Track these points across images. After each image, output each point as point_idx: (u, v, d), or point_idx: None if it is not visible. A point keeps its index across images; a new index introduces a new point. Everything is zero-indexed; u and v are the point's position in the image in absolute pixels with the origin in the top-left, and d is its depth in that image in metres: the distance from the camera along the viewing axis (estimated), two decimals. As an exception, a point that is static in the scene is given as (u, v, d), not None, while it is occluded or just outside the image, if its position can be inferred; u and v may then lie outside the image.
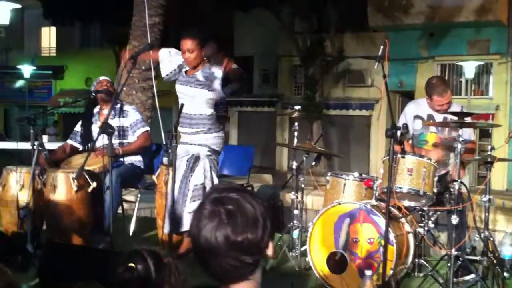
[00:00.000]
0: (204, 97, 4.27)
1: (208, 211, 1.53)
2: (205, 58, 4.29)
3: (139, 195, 5.13)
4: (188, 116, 4.31)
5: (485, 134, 14.17)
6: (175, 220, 4.20)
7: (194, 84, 4.30)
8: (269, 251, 1.56)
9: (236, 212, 1.51)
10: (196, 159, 4.27)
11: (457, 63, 15.54)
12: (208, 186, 4.25)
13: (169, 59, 4.49)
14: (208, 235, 1.50)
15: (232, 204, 1.52)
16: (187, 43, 4.23)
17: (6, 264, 1.60)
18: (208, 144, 4.31)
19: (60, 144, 5.66)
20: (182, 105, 4.20)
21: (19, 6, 13.22)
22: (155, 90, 8.24)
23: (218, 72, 4.24)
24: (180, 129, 4.31)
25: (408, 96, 16.08)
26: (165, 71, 4.52)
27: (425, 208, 4.00)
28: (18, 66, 21.43)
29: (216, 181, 4.34)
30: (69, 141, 5.10)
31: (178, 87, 4.38)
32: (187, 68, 4.40)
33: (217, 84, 4.25)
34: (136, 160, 4.96)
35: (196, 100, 4.29)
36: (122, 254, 1.65)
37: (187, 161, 4.27)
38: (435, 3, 15.80)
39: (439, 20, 15.70)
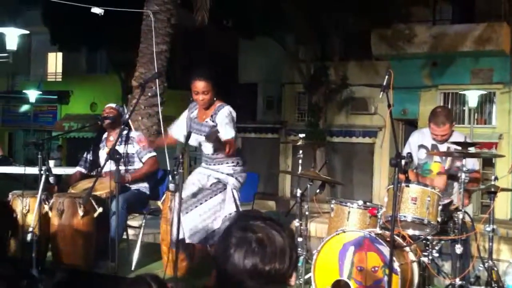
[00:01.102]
0: (228, 136, 4.23)
1: (237, 238, 1.52)
2: (215, 99, 4.31)
3: (144, 221, 5.15)
4: (211, 157, 4.37)
5: (488, 163, 14.18)
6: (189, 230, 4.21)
7: (205, 133, 4.22)
8: (292, 281, 1.56)
9: (266, 241, 1.51)
10: (223, 186, 4.30)
11: (460, 92, 15.64)
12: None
13: (180, 129, 4.50)
14: (236, 262, 1.50)
15: (262, 233, 1.52)
16: (202, 85, 4.22)
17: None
18: (235, 174, 4.36)
19: (67, 169, 5.72)
20: (190, 132, 4.20)
21: (26, 32, 13.43)
22: (160, 116, 8.35)
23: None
24: (203, 164, 4.40)
25: (411, 124, 16.15)
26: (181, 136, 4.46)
27: (429, 237, 4.00)
28: (24, 91, 21.60)
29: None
30: (78, 168, 5.17)
31: (193, 136, 4.27)
32: (196, 113, 4.41)
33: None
34: (142, 186, 5.00)
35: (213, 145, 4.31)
36: (126, 280, 1.67)
37: (213, 184, 4.29)
38: (438, 33, 15.98)
39: (442, 50, 15.86)
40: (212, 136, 4.04)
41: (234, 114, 4.32)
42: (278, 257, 1.51)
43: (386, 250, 3.66)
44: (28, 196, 4.53)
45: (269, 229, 1.54)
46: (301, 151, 4.68)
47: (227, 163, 4.35)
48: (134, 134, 5.06)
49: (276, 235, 1.53)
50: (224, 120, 4.23)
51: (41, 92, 21.59)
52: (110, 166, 4.60)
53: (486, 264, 3.90)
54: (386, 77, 3.75)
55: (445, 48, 15.77)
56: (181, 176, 4.07)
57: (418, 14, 16.66)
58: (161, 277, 1.66)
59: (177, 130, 4.52)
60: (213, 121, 4.27)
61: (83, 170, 5.13)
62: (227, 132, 4.19)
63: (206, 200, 4.26)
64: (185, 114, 4.47)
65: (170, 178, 4.41)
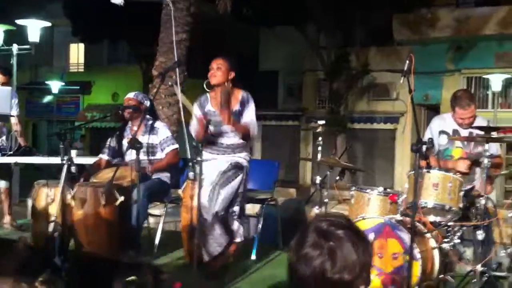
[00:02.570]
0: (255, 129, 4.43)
1: (312, 241, 1.54)
2: (226, 84, 4.38)
3: (165, 209, 5.20)
4: (230, 147, 4.43)
5: (511, 148, 13.96)
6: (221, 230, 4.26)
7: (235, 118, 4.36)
8: None
9: (338, 251, 1.51)
10: (240, 167, 4.38)
11: (483, 76, 15.39)
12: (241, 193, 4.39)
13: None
14: (306, 264, 1.52)
15: (336, 242, 1.52)
16: (219, 61, 4.37)
17: (34, 277, 1.66)
18: (246, 158, 4.47)
19: (90, 159, 5.78)
20: (209, 121, 4.23)
21: (49, 24, 13.56)
22: (181, 105, 8.36)
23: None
24: (211, 155, 4.42)
25: (434, 109, 15.95)
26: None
27: (450, 224, 3.97)
28: (47, 82, 21.88)
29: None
30: (101, 155, 5.22)
31: (213, 129, 4.38)
32: (210, 106, 4.46)
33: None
34: (163, 175, 5.04)
35: (231, 132, 4.40)
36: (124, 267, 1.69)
37: (230, 165, 4.36)
38: (461, 16, 15.71)
39: (466, 33, 15.59)
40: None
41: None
42: (348, 268, 1.51)
43: (406, 236, 3.64)
44: (52, 186, 4.60)
45: (345, 240, 1.53)
46: (320, 138, 4.66)
47: (246, 152, 4.46)
48: (158, 124, 5.09)
49: (350, 246, 1.53)
50: (253, 110, 4.39)
51: (63, 83, 21.84)
52: (131, 155, 4.66)
53: (509, 250, 3.86)
54: (407, 62, 3.72)
55: (469, 32, 15.51)
56: (201, 165, 4.10)
57: (441, -3, 16.39)
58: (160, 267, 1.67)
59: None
60: (242, 106, 4.36)
61: (106, 157, 5.19)
62: (254, 125, 4.38)
63: (229, 182, 4.33)
64: (197, 109, 4.50)
65: (190, 167, 4.45)
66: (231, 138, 4.42)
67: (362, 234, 1.60)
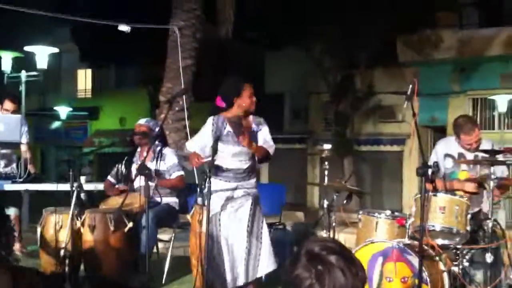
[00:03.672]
0: (272, 150, 4.35)
1: (303, 263, 1.58)
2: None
3: (173, 235, 5.22)
4: (240, 172, 4.29)
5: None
6: (247, 269, 4.19)
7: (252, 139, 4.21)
8: None
9: (326, 277, 1.55)
10: (257, 199, 4.32)
11: (489, 97, 15.41)
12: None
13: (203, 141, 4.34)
14: (297, 285, 1.56)
15: (324, 267, 1.56)
16: (251, 88, 4.28)
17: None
18: (255, 184, 4.41)
19: (98, 185, 5.82)
20: (216, 146, 4.17)
21: (56, 50, 13.74)
22: (188, 130, 8.46)
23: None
24: (220, 181, 4.29)
25: (440, 131, 15.95)
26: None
27: (459, 246, 3.97)
28: (55, 108, 22.06)
29: None
30: (108, 177, 5.29)
31: (229, 148, 4.24)
32: (229, 128, 4.27)
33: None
34: (172, 201, 5.08)
35: (248, 155, 4.29)
36: None
37: (253, 202, 4.26)
38: (465, 37, 15.80)
39: (470, 54, 15.66)
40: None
41: None
42: None
43: (415, 260, 3.64)
44: (61, 212, 4.64)
45: (335, 266, 1.56)
46: (327, 162, 4.70)
47: (255, 176, 4.40)
48: (166, 151, 5.15)
49: (338, 273, 1.55)
50: (267, 132, 4.34)
51: (71, 109, 22.02)
52: (139, 181, 4.70)
53: (518, 273, 3.85)
54: (410, 86, 3.76)
55: (473, 53, 15.57)
56: (209, 190, 4.12)
57: (444, 19, 16.49)
58: None
59: (198, 146, 4.32)
60: (257, 130, 4.31)
61: (113, 181, 5.24)
62: (271, 146, 4.33)
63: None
64: (207, 133, 4.28)
65: (198, 192, 4.48)
66: (244, 162, 4.28)
67: (353, 259, 1.62)
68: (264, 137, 4.31)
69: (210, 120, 4.30)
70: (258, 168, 4.61)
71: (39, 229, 5.03)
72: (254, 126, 4.32)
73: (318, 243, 1.61)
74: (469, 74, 16.16)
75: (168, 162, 5.05)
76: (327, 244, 1.61)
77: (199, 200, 4.45)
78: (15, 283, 2.12)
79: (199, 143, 4.31)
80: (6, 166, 6.13)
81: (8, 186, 5.77)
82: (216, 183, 4.18)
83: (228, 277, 4.15)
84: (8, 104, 6.06)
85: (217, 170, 4.23)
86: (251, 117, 4.34)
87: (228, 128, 4.27)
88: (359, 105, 17.45)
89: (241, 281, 4.18)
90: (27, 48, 12.45)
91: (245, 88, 4.24)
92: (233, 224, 4.20)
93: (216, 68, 17.09)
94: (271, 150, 4.33)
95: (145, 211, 4.24)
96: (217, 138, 4.20)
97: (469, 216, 3.91)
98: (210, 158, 4.09)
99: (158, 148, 5.08)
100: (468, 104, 16.25)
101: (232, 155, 4.26)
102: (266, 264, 4.20)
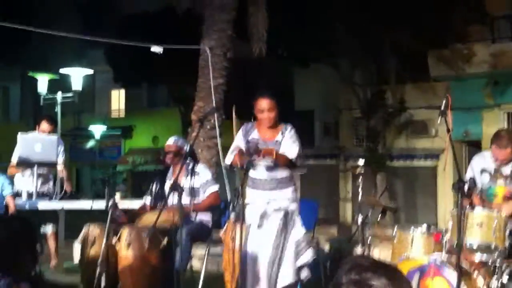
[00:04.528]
0: (294, 154, 4.26)
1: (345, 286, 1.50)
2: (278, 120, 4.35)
3: (207, 251, 5.24)
4: (279, 180, 4.30)
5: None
6: (270, 282, 4.19)
7: (276, 148, 4.22)
8: None
9: None
10: (291, 214, 4.28)
11: (524, 111, 15.12)
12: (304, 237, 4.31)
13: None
14: None
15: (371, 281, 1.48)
16: (267, 102, 4.28)
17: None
18: (295, 199, 4.37)
19: (133, 202, 5.92)
20: (249, 165, 4.20)
21: (91, 71, 14.07)
22: (219, 147, 8.52)
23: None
24: (253, 191, 4.35)
25: (475, 145, 15.68)
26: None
27: (497, 262, 3.89)
28: (90, 128, 22.49)
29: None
30: (144, 201, 5.36)
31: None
32: (256, 134, 4.37)
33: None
34: (205, 217, 5.11)
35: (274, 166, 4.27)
36: None
37: (284, 217, 4.25)
38: (497, 51, 15.58)
39: (503, 68, 15.42)
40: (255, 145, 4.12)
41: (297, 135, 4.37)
42: None
43: (453, 276, 3.58)
44: (98, 229, 4.72)
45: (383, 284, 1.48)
46: (361, 178, 4.68)
47: (289, 188, 4.34)
48: (199, 168, 5.19)
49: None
50: (291, 138, 4.28)
51: (105, 129, 22.42)
52: (173, 198, 4.75)
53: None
54: (444, 101, 3.74)
55: (506, 66, 15.33)
56: (242, 206, 4.14)
57: (476, 33, 16.31)
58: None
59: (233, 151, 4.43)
60: (282, 136, 4.30)
61: (148, 203, 5.32)
62: (292, 150, 4.24)
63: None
64: (239, 139, 4.42)
65: (231, 209, 4.51)
66: (274, 172, 4.30)
67: (398, 275, 1.54)
68: (286, 143, 4.27)
69: (242, 126, 4.46)
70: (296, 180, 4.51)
71: (77, 245, 5.11)
72: (278, 135, 4.32)
73: (360, 266, 1.53)
74: (502, 87, 15.90)
75: (202, 178, 5.09)
76: (373, 267, 1.53)
77: (232, 216, 4.47)
78: None
79: (233, 147, 4.44)
80: (43, 184, 6.28)
81: (45, 205, 5.91)
82: (250, 193, 4.29)
83: (253, 285, 4.17)
84: (44, 125, 6.22)
85: (250, 180, 4.32)
86: (279, 126, 4.35)
87: (255, 133, 4.38)
88: (390, 121, 17.31)
89: None
90: (62, 71, 12.79)
91: (256, 102, 4.32)
92: (261, 237, 4.23)
93: (247, 86, 17.22)
94: (292, 154, 4.23)
95: (179, 228, 4.27)
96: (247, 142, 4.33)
97: (507, 231, 3.83)
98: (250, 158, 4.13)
99: (191, 166, 5.13)
100: (503, 118, 15.97)
101: (264, 165, 4.33)
102: (285, 276, 4.19)
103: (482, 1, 15.40)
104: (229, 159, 4.47)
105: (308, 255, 4.23)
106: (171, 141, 5.30)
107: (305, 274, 4.29)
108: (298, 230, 4.27)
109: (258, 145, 4.28)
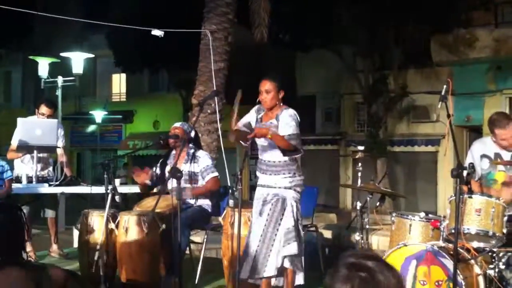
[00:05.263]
0: (286, 132, 4.21)
1: (343, 274, 1.53)
2: (281, 104, 4.34)
3: (206, 237, 5.26)
4: (271, 164, 4.30)
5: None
6: (254, 265, 4.18)
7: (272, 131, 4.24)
8: None
9: (370, 281, 1.51)
10: (283, 201, 4.23)
11: (526, 96, 15.06)
12: (300, 227, 4.27)
13: (247, 118, 4.51)
14: None
15: (367, 272, 1.52)
16: (266, 84, 4.28)
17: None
18: (294, 186, 4.28)
19: (133, 188, 5.92)
20: (247, 152, 4.24)
21: (92, 56, 14.02)
22: (220, 132, 8.51)
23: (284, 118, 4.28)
24: (259, 174, 4.41)
25: (476, 131, 15.65)
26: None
27: (495, 249, 3.89)
28: (91, 112, 22.49)
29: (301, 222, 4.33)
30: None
31: (260, 139, 4.31)
32: (262, 114, 4.41)
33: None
34: (205, 203, 5.12)
35: (276, 148, 4.25)
36: None
37: (272, 204, 4.23)
38: (500, 36, 15.47)
39: (506, 53, 15.32)
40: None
41: (298, 117, 4.32)
42: None
43: (450, 263, 3.59)
44: (97, 215, 4.73)
45: (376, 270, 1.53)
46: (360, 164, 4.67)
47: (284, 174, 4.27)
48: (200, 153, 5.19)
49: (380, 277, 1.52)
50: (286, 119, 4.24)
51: (106, 113, 22.41)
52: (172, 183, 4.76)
53: (557, 277, 3.75)
54: (444, 86, 3.72)
55: (509, 52, 15.22)
56: (241, 192, 4.15)
57: (479, 18, 16.19)
58: None
59: (242, 122, 4.49)
60: (277, 121, 4.27)
61: (148, 183, 5.33)
62: (285, 129, 4.20)
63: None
64: (253, 112, 4.47)
65: (230, 194, 4.51)
66: (274, 155, 4.28)
67: (391, 266, 1.59)
68: (280, 123, 4.24)
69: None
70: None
71: (76, 231, 5.13)
72: (273, 120, 4.30)
73: (353, 255, 1.58)
74: (505, 73, 15.82)
75: (201, 164, 5.09)
76: (363, 253, 1.60)
77: (231, 202, 4.47)
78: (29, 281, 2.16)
79: (244, 120, 4.48)
80: (42, 169, 6.27)
81: (45, 189, 5.91)
82: (258, 176, 4.39)
83: (250, 269, 4.19)
84: (43, 109, 6.20)
85: (259, 162, 4.38)
86: (279, 109, 4.32)
87: (262, 114, 4.41)
88: (392, 106, 17.26)
89: (244, 275, 4.17)
90: (63, 54, 12.75)
91: (260, 84, 4.33)
92: (260, 224, 4.22)
93: (248, 71, 17.16)
94: (283, 132, 4.18)
95: (178, 213, 4.28)
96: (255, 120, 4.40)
97: (505, 218, 3.83)
98: (247, 144, 4.17)
99: (192, 151, 5.13)
100: (505, 103, 15.91)
101: (261, 146, 4.37)
102: (273, 267, 4.17)
103: (486, -14, 15.29)
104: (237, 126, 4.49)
105: (292, 248, 4.14)
106: (178, 124, 5.32)
107: (287, 264, 4.21)
108: (289, 219, 4.20)
109: (258, 124, 4.33)
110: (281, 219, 4.20)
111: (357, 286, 1.50)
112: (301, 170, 4.41)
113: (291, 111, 4.30)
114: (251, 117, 4.47)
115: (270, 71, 4.70)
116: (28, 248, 6.15)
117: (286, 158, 4.27)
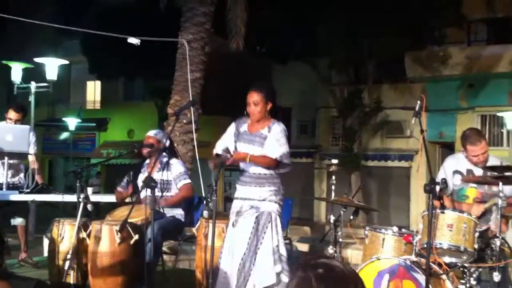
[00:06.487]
0: (279, 153, 4.15)
1: (298, 279, 1.50)
2: (268, 116, 4.26)
3: (179, 248, 5.21)
4: (256, 176, 4.22)
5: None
6: (243, 279, 4.10)
7: (258, 143, 4.19)
8: None
9: (326, 274, 1.48)
10: (267, 216, 4.15)
11: (497, 114, 15.36)
12: (281, 243, 4.18)
13: (224, 145, 4.39)
14: None
15: (322, 267, 1.50)
16: (254, 96, 4.21)
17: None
18: (278, 200, 4.21)
19: (105, 197, 5.84)
20: (223, 162, 4.18)
21: (66, 62, 13.85)
22: (195, 142, 8.47)
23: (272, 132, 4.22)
24: (240, 186, 4.30)
25: (448, 147, 15.91)
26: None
27: (466, 265, 3.93)
28: (64, 119, 22.19)
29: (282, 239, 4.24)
30: (118, 188, 5.30)
31: (241, 146, 4.25)
32: (246, 126, 4.31)
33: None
34: (178, 213, 5.07)
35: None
36: None
37: (256, 218, 4.14)
38: (473, 54, 15.81)
39: (477, 71, 15.66)
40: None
41: (287, 132, 4.27)
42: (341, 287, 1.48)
43: (422, 278, 3.61)
44: (68, 223, 4.65)
45: (330, 263, 1.51)
46: (334, 177, 4.68)
47: (270, 186, 4.19)
48: (173, 161, 5.14)
49: (336, 267, 1.51)
50: (277, 135, 4.17)
51: (80, 120, 22.14)
52: (146, 192, 4.70)
53: (526, 292, 3.80)
54: (418, 102, 3.76)
55: (481, 69, 15.56)
56: (215, 203, 4.12)
57: (452, 35, 16.53)
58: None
59: (221, 147, 4.37)
60: (269, 132, 4.20)
61: (123, 191, 5.27)
62: (276, 149, 4.14)
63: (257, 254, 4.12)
64: (231, 130, 4.37)
65: (205, 205, 4.47)
66: (260, 167, 4.20)
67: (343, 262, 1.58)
68: (271, 141, 4.17)
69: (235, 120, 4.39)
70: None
71: (46, 239, 5.03)
72: (265, 130, 4.22)
73: (304, 259, 1.56)
74: (477, 90, 16.15)
75: (174, 172, 5.04)
76: (314, 255, 1.59)
77: (205, 213, 4.42)
78: None
79: (222, 144, 4.36)
80: (13, 176, 6.14)
81: (15, 197, 5.78)
82: (237, 187, 4.30)
83: (224, 282, 4.10)
84: (11, 113, 6.10)
85: (239, 173, 4.31)
86: (268, 121, 4.25)
87: (245, 126, 4.31)
88: (366, 120, 17.46)
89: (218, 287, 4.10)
90: (37, 60, 12.56)
91: (248, 95, 4.26)
92: (235, 235, 4.18)
93: (224, 81, 17.18)
94: (275, 153, 4.13)
95: (151, 223, 4.23)
96: (236, 137, 4.29)
97: (477, 234, 3.87)
98: (225, 155, 4.13)
99: (165, 159, 5.08)
100: (476, 120, 16.22)
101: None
102: (263, 278, 4.12)
103: (459, 4, 15.60)
104: (215, 149, 4.37)
105: (278, 268, 4.11)
106: (151, 133, 5.26)
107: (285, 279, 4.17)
108: (274, 235, 4.13)
109: (244, 135, 4.26)
110: (265, 233, 4.15)
111: (315, 285, 1.47)
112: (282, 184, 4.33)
113: (282, 126, 4.23)
114: (229, 136, 4.35)
115: (256, 81, 4.59)
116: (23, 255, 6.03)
117: (272, 171, 4.22)
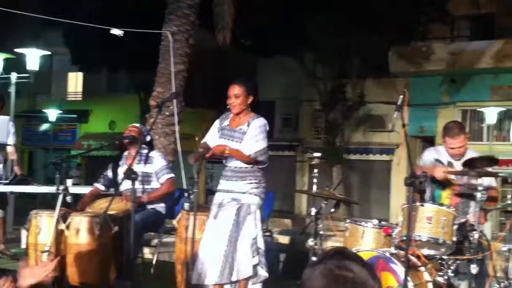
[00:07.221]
0: (253, 150, 4.14)
1: (321, 271, 1.53)
2: (249, 109, 4.26)
3: (159, 240, 5.19)
4: (237, 170, 4.21)
5: (506, 180, 13.98)
6: (225, 272, 4.08)
7: (238, 139, 4.20)
8: None
9: (346, 262, 1.53)
10: (247, 208, 4.14)
11: (478, 109, 15.52)
12: (259, 236, 4.18)
13: (210, 141, 4.36)
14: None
15: (340, 256, 1.54)
16: (235, 89, 4.21)
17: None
18: (258, 193, 4.20)
19: (85, 189, 5.79)
20: (203, 156, 4.16)
21: (48, 52, 13.68)
22: (177, 135, 8.43)
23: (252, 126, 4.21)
24: (222, 180, 4.29)
25: (429, 141, 16.04)
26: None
27: (444, 257, 3.97)
28: (45, 110, 21.94)
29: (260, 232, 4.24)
30: (96, 184, 5.24)
31: (222, 142, 4.24)
32: (228, 122, 4.31)
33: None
34: (158, 205, 5.04)
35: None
36: None
37: (237, 210, 4.13)
38: (456, 50, 15.95)
39: (460, 67, 15.80)
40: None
41: (267, 127, 4.26)
42: None
43: (400, 270, 3.63)
44: (47, 215, 4.60)
45: (345, 251, 1.56)
46: (316, 170, 4.69)
47: (250, 180, 4.19)
48: (154, 154, 5.10)
49: (351, 253, 1.57)
50: (255, 131, 4.16)
51: (61, 112, 21.91)
52: (126, 184, 4.68)
53: (502, 284, 3.86)
54: (400, 97, 3.77)
55: (464, 65, 15.71)
56: (196, 196, 4.11)
57: (436, 31, 16.66)
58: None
59: (209, 142, 4.36)
60: (248, 127, 4.19)
61: (101, 187, 5.21)
62: (252, 146, 4.14)
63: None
64: (215, 125, 4.37)
65: (186, 197, 4.45)
66: (238, 162, 4.20)
67: (372, 267, 1.60)
68: (248, 137, 4.17)
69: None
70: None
71: (24, 232, 4.98)
72: (244, 125, 4.22)
73: (340, 255, 1.57)
74: (459, 86, 16.31)
75: (156, 165, 5.01)
76: (349, 254, 1.59)
77: (186, 205, 4.41)
78: None
79: (205, 140, 4.37)
80: (-8, 167, 6.07)
81: (-7, 188, 5.72)
82: (220, 180, 4.29)
83: (201, 273, 4.10)
84: (-12, 104, 6.03)
85: (222, 167, 4.30)
86: (248, 116, 4.24)
87: (227, 121, 4.31)
88: (349, 114, 17.55)
89: (212, 281, 4.09)
90: (18, 50, 12.39)
91: (229, 89, 4.26)
92: (215, 228, 4.17)
93: (208, 74, 17.12)
94: (250, 150, 4.12)
95: (131, 215, 4.20)
96: (221, 133, 4.29)
97: (455, 226, 3.91)
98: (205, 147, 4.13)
99: (145, 151, 5.04)
100: (457, 115, 16.38)
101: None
102: (242, 270, 4.11)
103: (444, 0, 15.72)
104: (201, 144, 4.39)
105: (255, 260, 4.11)
106: (135, 124, 5.24)
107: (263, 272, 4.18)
108: (253, 228, 4.13)
109: (225, 131, 4.25)
110: (243, 224, 4.14)
111: (340, 272, 1.50)
112: (264, 177, 4.33)
113: (262, 121, 4.22)
114: (212, 134, 4.35)
115: (239, 76, 4.58)
116: (1, 247, 5.96)
117: (248, 165, 4.21)
